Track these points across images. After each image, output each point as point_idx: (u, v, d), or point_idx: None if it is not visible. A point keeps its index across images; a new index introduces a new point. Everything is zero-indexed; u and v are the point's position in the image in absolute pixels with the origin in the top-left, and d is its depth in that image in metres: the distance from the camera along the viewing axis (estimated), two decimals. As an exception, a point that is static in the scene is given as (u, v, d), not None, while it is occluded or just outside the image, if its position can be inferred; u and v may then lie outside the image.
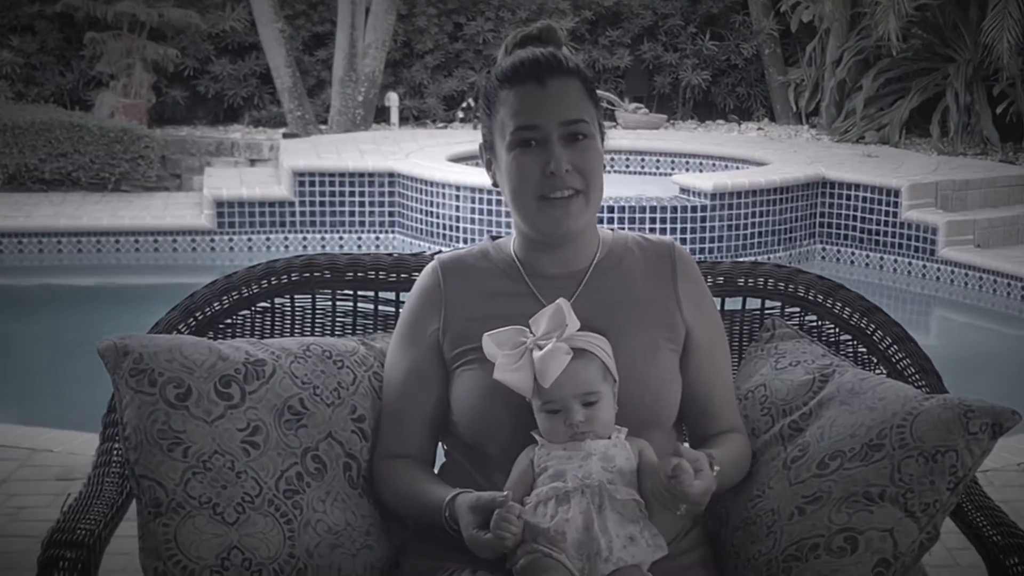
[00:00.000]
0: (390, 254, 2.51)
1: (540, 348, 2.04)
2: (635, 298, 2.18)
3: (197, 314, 2.37)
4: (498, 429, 2.10)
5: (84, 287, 8.60)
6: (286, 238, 9.03)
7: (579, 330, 2.08)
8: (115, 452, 2.21)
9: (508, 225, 2.21)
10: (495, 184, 2.19)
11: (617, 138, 10.33)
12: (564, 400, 2.03)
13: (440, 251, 2.36)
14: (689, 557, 2.13)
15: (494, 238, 2.29)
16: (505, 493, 1.96)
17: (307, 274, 2.45)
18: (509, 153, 2.10)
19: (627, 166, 10.30)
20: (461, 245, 8.20)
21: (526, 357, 2.04)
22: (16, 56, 11.24)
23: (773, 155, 9.81)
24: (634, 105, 11.98)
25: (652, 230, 8.04)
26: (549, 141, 2.08)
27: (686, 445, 2.04)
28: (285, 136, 10.98)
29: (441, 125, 11.97)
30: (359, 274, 2.47)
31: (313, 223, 9.03)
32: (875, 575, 1.96)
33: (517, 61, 2.12)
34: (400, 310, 2.35)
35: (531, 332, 2.07)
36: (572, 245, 2.17)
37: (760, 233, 8.58)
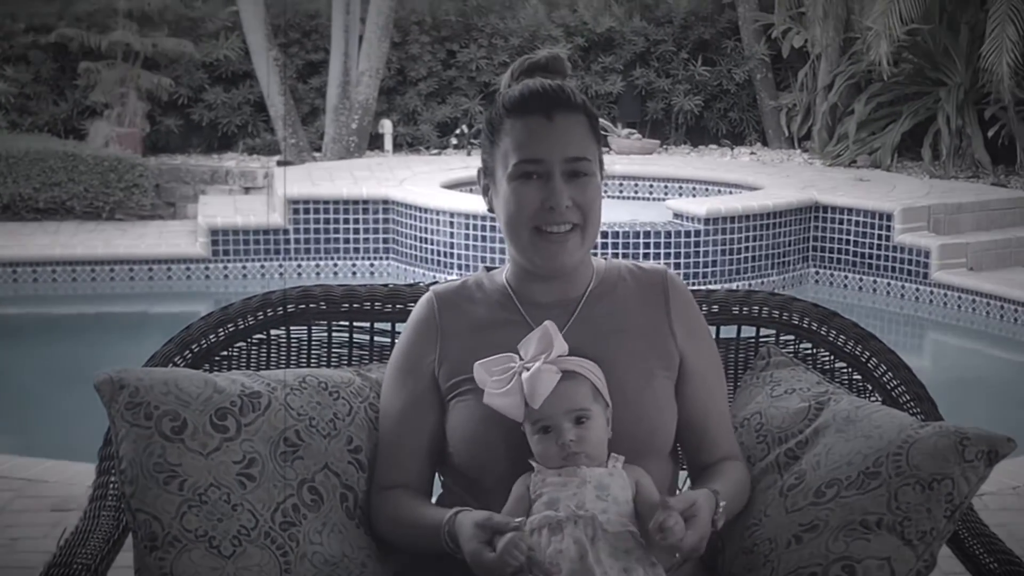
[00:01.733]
0: (385, 285, 2.51)
1: (528, 370, 2.04)
2: (628, 327, 2.18)
3: (193, 346, 2.37)
4: (494, 459, 2.10)
5: (79, 316, 8.60)
6: (280, 266, 9.03)
7: (571, 356, 2.08)
8: (111, 485, 2.20)
9: (503, 252, 2.21)
10: (490, 210, 2.19)
11: (610, 164, 10.28)
12: (554, 418, 2.03)
13: (435, 281, 2.36)
14: (686, 587, 2.13)
15: (488, 269, 2.29)
16: (519, 519, 1.95)
17: (303, 305, 2.45)
18: (509, 183, 2.10)
19: (620, 191, 10.33)
20: (455, 271, 8.23)
21: (515, 381, 2.04)
22: (10, 86, 11.25)
23: (766, 180, 9.84)
24: (627, 131, 12.01)
25: (646, 255, 8.06)
26: (551, 176, 2.08)
27: (680, 493, 2.04)
28: (279, 164, 11.00)
29: (435, 152, 11.99)
30: (355, 305, 2.47)
31: (307, 250, 9.05)
32: (872, 603, 1.96)
33: (526, 91, 2.12)
34: (396, 340, 2.35)
35: (520, 357, 2.08)
36: (566, 275, 2.18)
37: (753, 257, 8.60)
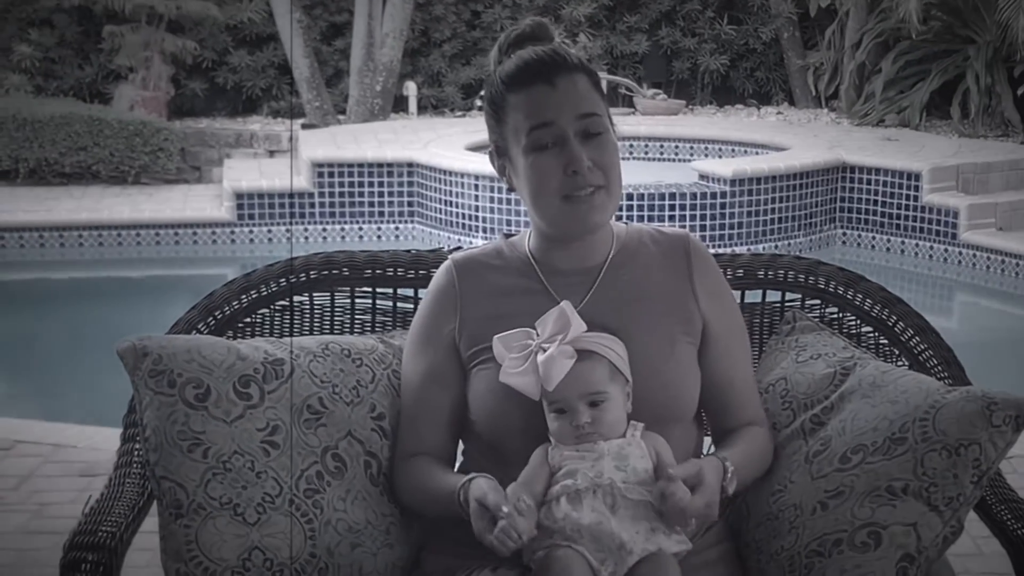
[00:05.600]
0: (408, 251, 2.50)
1: (544, 351, 2.03)
2: (651, 292, 2.17)
3: (216, 313, 2.37)
4: (515, 428, 2.09)
5: (105, 281, 8.63)
6: (305, 229, 9.04)
7: (591, 330, 2.06)
8: (135, 453, 2.20)
9: (527, 214, 2.19)
10: (511, 189, 2.17)
11: (635, 124, 10.30)
12: (569, 401, 2.02)
13: (458, 248, 2.35)
14: (711, 553, 2.12)
15: (507, 236, 2.27)
16: (505, 509, 1.92)
17: (326, 272, 2.45)
18: (526, 157, 2.08)
19: (646, 153, 10.27)
20: (480, 235, 8.22)
21: (531, 360, 2.03)
22: (35, 50, 11.26)
23: (793, 140, 9.77)
24: (652, 91, 11.93)
25: (671, 217, 8.02)
26: (566, 140, 2.06)
27: (688, 462, 2.03)
28: (304, 127, 10.99)
29: (459, 114, 11.96)
30: (377, 271, 2.46)
31: (332, 214, 9.04)
32: (899, 570, 1.95)
33: (521, 63, 2.10)
34: (419, 307, 2.34)
35: (538, 334, 2.06)
36: (588, 240, 2.16)
37: (780, 219, 8.55)
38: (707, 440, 2.32)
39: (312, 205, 9.04)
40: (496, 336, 2.08)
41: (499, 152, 2.16)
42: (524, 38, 2.15)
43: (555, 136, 2.06)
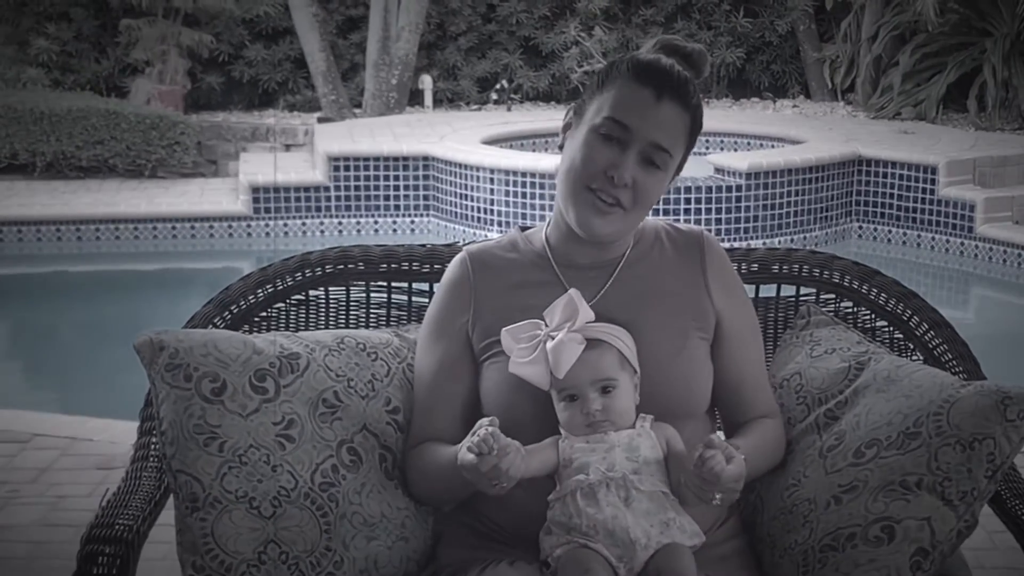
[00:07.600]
0: (423, 245, 2.51)
1: (553, 339, 2.03)
2: (665, 288, 2.18)
3: (232, 307, 2.38)
4: (527, 421, 2.09)
5: (122, 274, 8.66)
6: (321, 223, 9.05)
7: (604, 321, 2.07)
8: (152, 446, 2.21)
9: (542, 208, 2.19)
10: (560, 147, 2.18)
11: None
12: (580, 387, 2.03)
13: (472, 241, 2.36)
14: (725, 547, 2.12)
15: (523, 229, 2.28)
16: (493, 418, 1.93)
17: (341, 266, 2.45)
18: (588, 134, 2.09)
19: (661, 146, 10.24)
20: (495, 228, 8.22)
21: (540, 349, 2.04)
22: (52, 44, 11.31)
23: (809, 133, 9.75)
24: (668, 84, 11.91)
25: (687, 211, 8.01)
26: (628, 148, 2.07)
27: (719, 434, 2.04)
28: (320, 120, 11.01)
29: (475, 107, 11.97)
30: (393, 265, 2.47)
31: (348, 207, 9.06)
32: (913, 564, 1.95)
33: (656, 64, 2.10)
34: (433, 299, 2.35)
35: (546, 324, 2.07)
36: (601, 242, 2.16)
37: (796, 212, 8.54)
38: (719, 436, 2.33)
39: (328, 199, 9.05)
40: (505, 329, 2.08)
41: (577, 110, 2.16)
42: (677, 51, 2.15)
43: (622, 138, 2.07)
